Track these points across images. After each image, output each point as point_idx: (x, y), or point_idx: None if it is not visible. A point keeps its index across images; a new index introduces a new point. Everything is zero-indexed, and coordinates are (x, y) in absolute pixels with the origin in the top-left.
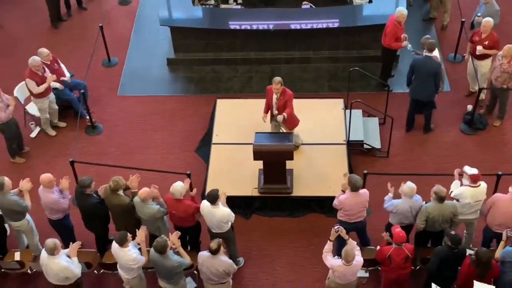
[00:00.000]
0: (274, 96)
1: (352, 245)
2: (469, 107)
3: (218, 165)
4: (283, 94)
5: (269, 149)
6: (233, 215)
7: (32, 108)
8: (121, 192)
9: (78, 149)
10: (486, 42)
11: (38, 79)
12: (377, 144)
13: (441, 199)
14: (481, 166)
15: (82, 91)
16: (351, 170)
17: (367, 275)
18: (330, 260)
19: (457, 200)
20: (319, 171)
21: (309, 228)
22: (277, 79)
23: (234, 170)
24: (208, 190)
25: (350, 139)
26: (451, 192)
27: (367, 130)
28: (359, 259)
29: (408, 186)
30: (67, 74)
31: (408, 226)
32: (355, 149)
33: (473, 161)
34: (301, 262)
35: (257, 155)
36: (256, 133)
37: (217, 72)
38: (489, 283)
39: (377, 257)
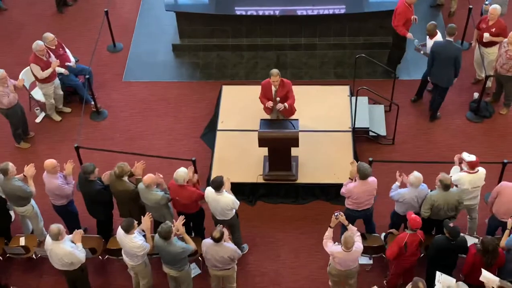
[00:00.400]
0: (273, 89)
1: (352, 231)
2: (476, 95)
3: (223, 151)
4: (281, 85)
5: (275, 136)
6: (238, 202)
7: (38, 94)
8: (126, 178)
9: (83, 135)
10: (493, 29)
11: (43, 64)
12: (382, 132)
13: (446, 187)
14: (487, 154)
15: (87, 76)
16: (356, 158)
17: (371, 262)
18: (330, 246)
19: (456, 186)
20: (324, 158)
21: (313, 215)
22: (275, 71)
23: (239, 157)
24: (213, 176)
25: (356, 126)
26: (450, 177)
27: (373, 117)
28: (359, 245)
29: (415, 175)
30: (72, 60)
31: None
32: (360, 136)
33: (479, 148)
34: (305, 249)
35: (262, 142)
36: (261, 119)
37: (223, 58)
38: (494, 271)
39: (392, 250)
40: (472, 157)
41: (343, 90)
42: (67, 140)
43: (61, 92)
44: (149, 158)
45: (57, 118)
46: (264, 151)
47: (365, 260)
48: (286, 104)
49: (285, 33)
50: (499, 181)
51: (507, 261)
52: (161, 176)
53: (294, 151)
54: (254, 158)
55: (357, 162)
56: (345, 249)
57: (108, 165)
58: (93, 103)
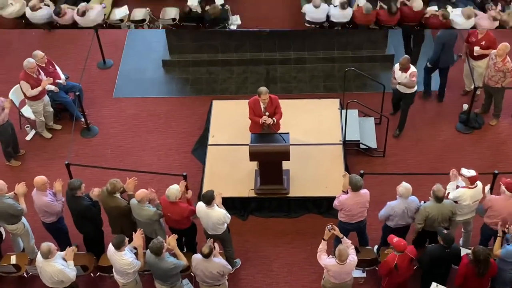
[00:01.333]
0: (262, 106)
1: (346, 244)
2: (465, 106)
3: (214, 166)
4: (270, 101)
5: (265, 149)
6: (229, 216)
7: (27, 111)
8: (118, 195)
9: (73, 152)
10: (483, 42)
11: (33, 82)
12: (373, 144)
13: (439, 198)
14: (477, 165)
15: (77, 93)
16: (347, 170)
17: (364, 275)
18: (324, 259)
19: (456, 202)
20: (315, 171)
21: (306, 228)
22: (264, 89)
23: (230, 171)
24: (204, 191)
25: (346, 139)
26: (448, 193)
27: (363, 130)
28: (353, 257)
29: (404, 186)
30: (62, 77)
31: (405, 227)
32: (351, 149)
33: (469, 159)
34: (298, 263)
35: (253, 156)
36: (252, 133)
37: (212, 73)
38: (486, 282)
39: (382, 271)
40: (472, 172)
41: (333, 103)
42: (57, 157)
43: (51, 110)
44: (140, 174)
45: (48, 135)
46: (255, 165)
47: (359, 273)
48: (275, 118)
49: (274, 48)
50: (491, 192)
51: (500, 270)
52: (153, 191)
53: (285, 165)
54: (245, 172)
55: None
56: (339, 262)
57: (99, 182)
58: (83, 119)
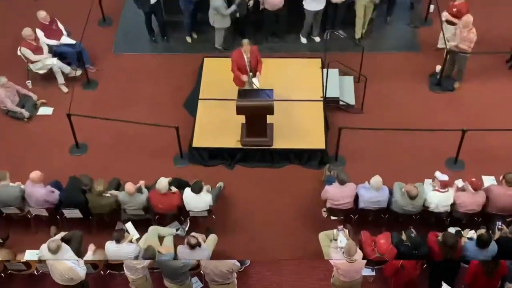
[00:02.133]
0: (245, 57)
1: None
2: (438, 68)
3: (204, 119)
4: (252, 53)
5: (251, 104)
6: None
7: (36, 66)
8: (106, 193)
9: (75, 103)
10: (454, 9)
11: (33, 48)
12: (351, 101)
13: (412, 198)
14: (448, 122)
15: (78, 50)
16: (327, 125)
17: (373, 273)
18: (334, 257)
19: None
20: (297, 125)
21: (287, 177)
22: (246, 40)
23: (219, 124)
24: (195, 142)
25: (327, 96)
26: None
27: (343, 88)
28: (361, 253)
29: (375, 179)
30: (65, 33)
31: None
32: (331, 105)
33: (441, 116)
34: (280, 208)
35: (240, 110)
36: (239, 89)
37: (205, 31)
38: (496, 282)
39: (387, 272)
40: (444, 177)
41: (315, 63)
42: (58, 108)
43: (58, 69)
44: (137, 126)
45: (65, 89)
46: (242, 118)
47: (368, 272)
48: (258, 75)
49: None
50: (459, 148)
51: (510, 271)
52: (142, 183)
53: (269, 119)
54: (232, 125)
55: (328, 129)
56: (347, 256)
57: (99, 132)
58: (92, 67)
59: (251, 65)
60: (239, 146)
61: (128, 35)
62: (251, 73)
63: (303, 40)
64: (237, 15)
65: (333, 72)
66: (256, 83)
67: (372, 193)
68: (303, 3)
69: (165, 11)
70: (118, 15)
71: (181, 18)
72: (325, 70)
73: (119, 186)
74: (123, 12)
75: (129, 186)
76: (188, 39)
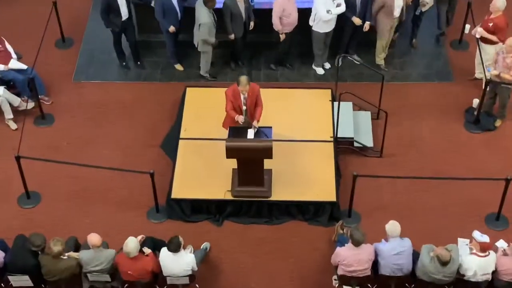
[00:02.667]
0: (242, 97)
1: None
2: (475, 102)
3: (186, 163)
4: (251, 91)
5: (245, 146)
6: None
7: None
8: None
9: (25, 143)
10: (491, 24)
11: None
12: (369, 142)
13: (444, 264)
14: (488, 168)
15: (31, 76)
16: (338, 172)
17: None
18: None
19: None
20: (301, 172)
21: (288, 236)
22: (244, 79)
23: (204, 170)
24: (174, 192)
25: (338, 135)
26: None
27: (358, 126)
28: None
29: (392, 224)
30: (14, 56)
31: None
32: (343, 148)
33: (479, 162)
34: (280, 277)
35: (231, 153)
36: (230, 127)
37: (188, 56)
38: None
39: None
40: (484, 238)
41: (324, 95)
42: (6, 148)
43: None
44: (102, 171)
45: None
46: (233, 163)
47: None
48: (256, 123)
49: (259, 28)
50: (502, 201)
51: None
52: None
53: (267, 164)
54: (221, 171)
55: (339, 177)
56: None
57: (53, 178)
58: (46, 98)
59: (248, 107)
60: (230, 197)
61: (93, 59)
62: (246, 117)
63: (320, 71)
64: (232, 36)
65: (346, 106)
66: (251, 134)
67: (392, 244)
68: (311, 24)
69: (139, 30)
70: (80, 34)
71: (157, 38)
72: (336, 103)
73: (77, 247)
74: (86, 31)
75: (94, 238)
76: (179, 67)
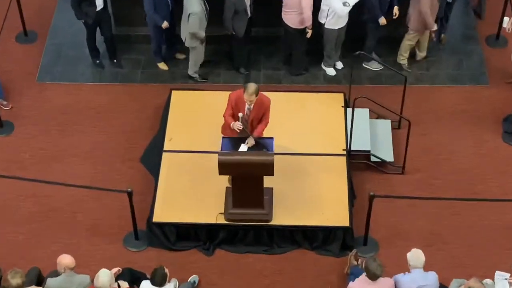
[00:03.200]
0: (246, 106)
1: None
2: None
3: (170, 180)
4: (258, 104)
5: (241, 160)
6: None
7: None
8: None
9: None
10: None
11: None
12: (388, 156)
13: None
14: None
15: None
16: (352, 191)
17: None
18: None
19: None
20: (308, 191)
21: (292, 268)
22: (252, 88)
23: (192, 188)
24: (156, 214)
25: (352, 148)
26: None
27: (376, 136)
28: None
29: (414, 252)
30: None
31: None
32: (358, 163)
33: None
34: None
35: (224, 168)
36: (223, 137)
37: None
38: None
39: None
40: None
41: (336, 100)
42: None
43: None
44: (70, 189)
45: None
46: (227, 180)
47: None
48: (256, 131)
49: (260, 22)
50: None
51: None
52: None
53: (267, 181)
54: (212, 190)
55: (354, 197)
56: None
57: (12, 198)
58: (5, 102)
59: (250, 120)
60: (223, 221)
61: (60, 56)
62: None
63: (331, 72)
64: (231, 32)
65: (362, 114)
66: (244, 147)
67: (413, 275)
68: (322, 20)
69: (115, 22)
70: (45, 27)
71: (137, 31)
72: (349, 110)
73: (40, 281)
74: (53, 24)
75: (67, 258)
76: (163, 66)
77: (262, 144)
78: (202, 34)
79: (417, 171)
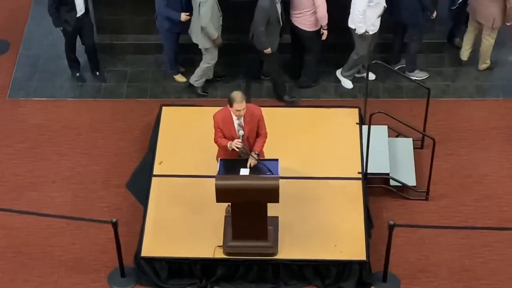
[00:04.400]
0: (236, 123)
1: None
2: None
3: (161, 209)
4: (249, 117)
5: (242, 185)
6: None
7: None
8: None
9: None
10: None
11: None
12: (410, 180)
13: None
14: None
15: None
16: (370, 219)
17: None
18: None
19: None
20: (319, 220)
21: None
22: (239, 94)
23: (186, 218)
24: (145, 248)
25: (369, 171)
26: None
27: (396, 157)
28: None
29: None
30: None
31: None
32: (376, 188)
33: None
34: None
35: (222, 195)
36: (220, 159)
37: (160, 65)
38: None
39: None
40: None
41: (350, 115)
42: None
43: None
44: (47, 219)
45: None
46: (225, 209)
47: None
48: (253, 156)
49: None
50: None
51: None
52: None
53: (272, 210)
54: (209, 220)
55: (371, 227)
56: None
57: None
58: None
59: (245, 136)
60: (221, 255)
61: (36, 69)
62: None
63: (348, 84)
64: (268, 50)
65: (379, 131)
66: (245, 171)
67: None
68: (354, 26)
69: (98, 29)
70: (19, 36)
71: (123, 39)
72: (365, 127)
73: None
74: (27, 32)
75: None
76: (180, 78)
77: (266, 167)
78: (215, 33)
79: (443, 196)
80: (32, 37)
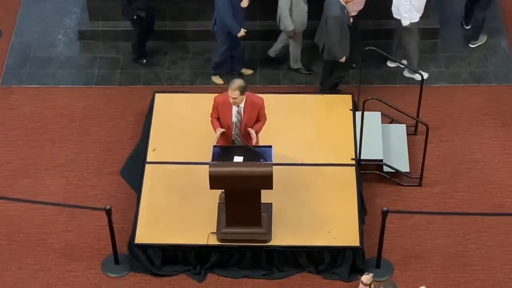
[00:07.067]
0: (234, 109)
1: None
2: None
3: (155, 196)
4: (250, 106)
5: (235, 172)
6: None
7: None
8: None
9: None
10: None
11: None
12: (404, 166)
13: None
14: None
15: None
16: (363, 206)
17: None
18: None
19: None
20: (313, 207)
21: None
22: (236, 83)
23: (179, 204)
24: (139, 235)
25: (363, 157)
26: None
27: (389, 144)
28: None
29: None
30: None
31: None
32: (369, 173)
33: None
34: None
35: (216, 182)
36: (214, 146)
37: (157, 51)
38: None
39: None
40: None
41: (343, 102)
42: None
43: None
44: (40, 207)
45: None
46: (219, 195)
47: None
48: (254, 132)
49: (254, 15)
50: None
51: None
52: None
53: (265, 196)
54: (203, 207)
55: (364, 213)
56: None
57: None
58: None
59: (243, 124)
60: (215, 242)
61: (28, 56)
62: (238, 136)
63: (422, 75)
64: (343, 59)
65: (373, 118)
66: (238, 159)
67: None
68: (399, 17)
69: (89, 16)
70: (11, 23)
71: (115, 26)
72: (359, 113)
73: None
74: (19, 19)
75: None
76: (217, 80)
77: (259, 153)
78: (290, 25)
79: (436, 182)
80: (24, 24)
